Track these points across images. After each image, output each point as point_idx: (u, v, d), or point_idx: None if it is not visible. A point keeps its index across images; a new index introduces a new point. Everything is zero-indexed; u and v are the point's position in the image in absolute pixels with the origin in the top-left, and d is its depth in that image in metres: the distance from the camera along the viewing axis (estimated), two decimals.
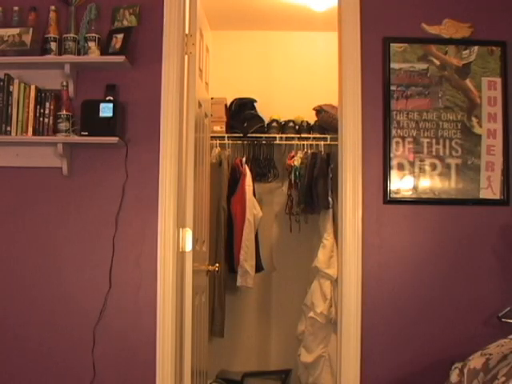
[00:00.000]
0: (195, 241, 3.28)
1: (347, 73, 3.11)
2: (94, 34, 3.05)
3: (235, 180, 4.63)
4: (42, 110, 3.04)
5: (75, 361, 3.06)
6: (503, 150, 3.12)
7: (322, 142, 4.62)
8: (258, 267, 4.63)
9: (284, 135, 4.73)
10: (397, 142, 3.12)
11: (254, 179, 4.74)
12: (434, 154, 3.12)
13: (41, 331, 3.08)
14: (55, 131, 3.04)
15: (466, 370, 2.34)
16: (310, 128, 4.74)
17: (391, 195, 3.10)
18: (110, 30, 3.11)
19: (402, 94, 3.14)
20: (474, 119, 3.13)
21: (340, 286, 3.11)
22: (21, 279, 3.11)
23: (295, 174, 4.61)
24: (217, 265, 3.86)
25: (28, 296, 3.10)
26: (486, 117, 3.13)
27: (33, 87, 3.04)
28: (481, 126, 3.13)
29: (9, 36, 3.04)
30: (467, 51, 3.15)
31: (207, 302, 3.81)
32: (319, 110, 4.66)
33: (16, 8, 3.09)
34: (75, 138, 3.04)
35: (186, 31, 3.20)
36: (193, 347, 3.18)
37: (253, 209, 4.59)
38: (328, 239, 4.34)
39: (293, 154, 4.68)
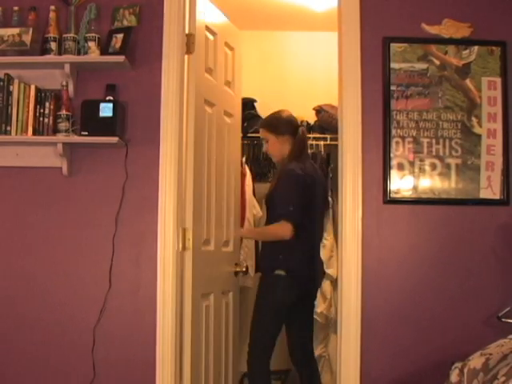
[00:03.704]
0: (202, 241, 3.30)
1: (347, 73, 3.11)
2: (93, 34, 3.04)
3: None
4: (41, 110, 3.04)
5: (75, 361, 3.06)
6: (503, 150, 3.11)
7: (322, 142, 4.62)
8: (258, 267, 4.62)
9: None
10: (397, 142, 3.12)
11: (254, 179, 4.73)
12: (433, 153, 3.12)
13: (40, 331, 3.08)
14: (55, 131, 3.04)
15: (466, 370, 2.34)
16: (309, 128, 4.73)
17: (391, 195, 3.10)
18: (109, 30, 3.11)
19: (402, 93, 3.14)
20: (473, 119, 3.13)
21: (340, 286, 3.10)
22: (20, 278, 3.11)
23: None
24: (244, 264, 4.00)
25: (27, 295, 3.10)
26: (486, 117, 3.13)
27: (33, 87, 3.04)
28: (481, 126, 3.13)
29: (9, 36, 3.03)
30: (467, 51, 3.15)
31: (233, 303, 3.79)
32: (319, 110, 4.66)
33: (16, 8, 3.09)
34: (75, 138, 3.04)
35: (187, 31, 3.21)
36: (192, 347, 3.18)
37: (252, 208, 4.58)
38: (328, 239, 4.31)
39: None
